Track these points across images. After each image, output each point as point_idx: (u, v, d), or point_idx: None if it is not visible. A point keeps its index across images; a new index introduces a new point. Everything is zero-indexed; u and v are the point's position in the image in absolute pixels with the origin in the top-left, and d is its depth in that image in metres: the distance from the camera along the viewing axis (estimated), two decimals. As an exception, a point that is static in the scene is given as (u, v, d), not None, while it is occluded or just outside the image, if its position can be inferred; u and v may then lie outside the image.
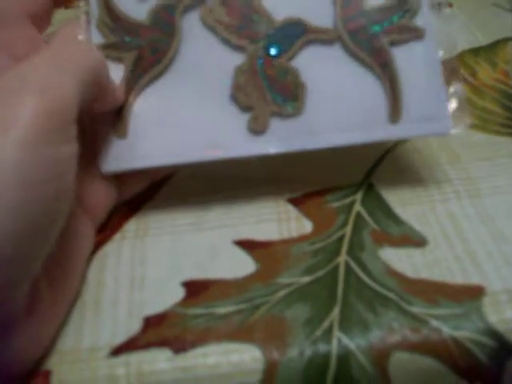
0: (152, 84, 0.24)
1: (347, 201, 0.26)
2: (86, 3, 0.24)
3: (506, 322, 0.21)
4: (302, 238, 0.25)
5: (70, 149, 0.19)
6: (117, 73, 0.24)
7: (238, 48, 0.25)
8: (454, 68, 0.25)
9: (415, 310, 0.21)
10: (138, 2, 0.25)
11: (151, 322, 0.22)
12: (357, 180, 0.28)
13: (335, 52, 0.25)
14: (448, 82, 0.25)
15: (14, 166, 0.16)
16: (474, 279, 0.22)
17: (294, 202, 0.27)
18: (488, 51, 0.36)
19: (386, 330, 0.21)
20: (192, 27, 0.25)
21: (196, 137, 0.24)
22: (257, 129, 0.24)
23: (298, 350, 0.20)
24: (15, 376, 0.20)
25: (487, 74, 0.34)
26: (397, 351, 0.20)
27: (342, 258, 0.24)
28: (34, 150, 0.17)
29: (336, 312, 0.22)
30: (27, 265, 0.18)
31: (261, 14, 0.25)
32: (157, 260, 0.24)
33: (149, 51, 0.24)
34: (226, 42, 0.25)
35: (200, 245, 0.25)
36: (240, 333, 0.21)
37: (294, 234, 0.25)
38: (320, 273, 0.23)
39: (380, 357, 0.20)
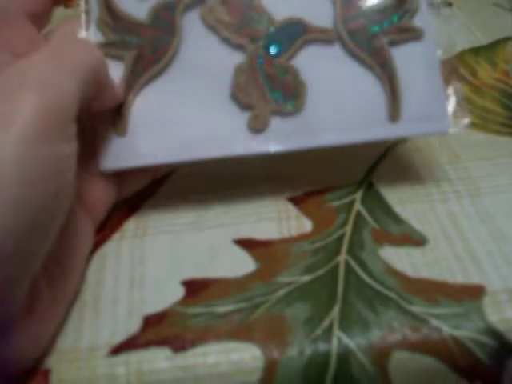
0: (152, 82, 0.24)
1: (347, 200, 0.26)
2: (85, 2, 0.24)
3: (506, 322, 0.21)
4: (302, 237, 0.25)
5: (70, 147, 0.19)
6: (116, 71, 0.24)
7: (238, 47, 0.25)
8: (453, 67, 0.25)
9: (415, 309, 0.21)
10: (138, 1, 0.25)
11: (151, 321, 0.22)
12: (357, 179, 0.28)
13: (335, 52, 0.25)
14: (447, 82, 0.25)
15: (13, 162, 0.16)
16: (474, 278, 0.22)
17: (294, 200, 0.27)
18: (488, 51, 0.36)
19: (386, 329, 0.21)
20: (192, 26, 0.25)
21: (196, 135, 0.24)
22: (257, 127, 0.24)
23: (297, 349, 0.20)
24: (14, 375, 0.20)
25: (487, 73, 0.34)
26: (397, 350, 0.20)
27: (342, 257, 0.24)
28: (33, 148, 0.17)
29: (336, 311, 0.22)
30: (27, 261, 0.18)
31: (261, 14, 0.25)
32: (156, 259, 0.24)
33: (149, 50, 0.24)
34: (226, 41, 0.25)
35: (200, 244, 0.25)
36: (240, 332, 0.21)
37: (294, 232, 0.25)
38: (320, 272, 0.23)
39: (380, 356, 0.20)
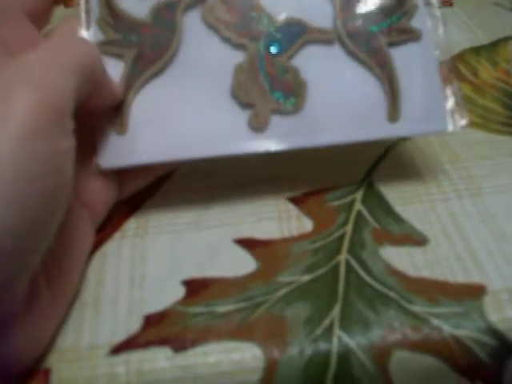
0: (152, 81, 0.24)
1: (348, 199, 0.26)
2: (85, 2, 0.24)
3: (507, 321, 0.21)
4: (303, 237, 0.25)
5: (67, 143, 0.19)
6: (116, 69, 0.24)
7: (239, 46, 0.25)
8: (452, 67, 0.25)
9: (416, 308, 0.21)
10: (139, 1, 0.25)
11: (151, 321, 0.22)
12: (357, 179, 0.28)
13: (335, 52, 0.25)
14: (446, 82, 0.25)
15: (10, 160, 0.16)
16: (475, 278, 0.22)
17: (295, 200, 0.27)
18: (489, 50, 0.36)
19: (387, 329, 0.21)
20: (193, 25, 0.25)
21: (196, 134, 0.24)
22: (257, 126, 0.24)
23: (298, 349, 0.20)
24: (14, 374, 0.20)
25: (488, 72, 0.34)
26: (397, 350, 0.20)
27: (343, 256, 0.24)
28: (30, 145, 0.17)
29: (336, 310, 0.22)
30: (26, 259, 0.18)
31: (261, 13, 0.25)
32: (157, 258, 0.24)
33: (149, 48, 0.24)
34: (226, 40, 0.25)
35: (200, 243, 0.25)
36: (240, 331, 0.21)
37: (295, 232, 0.25)
38: (320, 271, 0.23)
39: (380, 355, 0.20)
